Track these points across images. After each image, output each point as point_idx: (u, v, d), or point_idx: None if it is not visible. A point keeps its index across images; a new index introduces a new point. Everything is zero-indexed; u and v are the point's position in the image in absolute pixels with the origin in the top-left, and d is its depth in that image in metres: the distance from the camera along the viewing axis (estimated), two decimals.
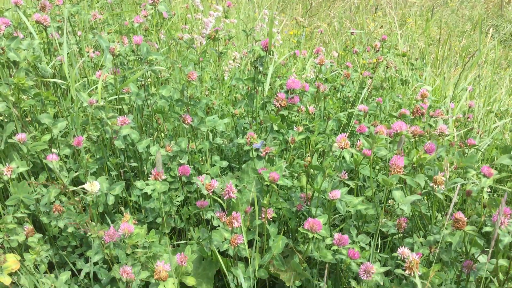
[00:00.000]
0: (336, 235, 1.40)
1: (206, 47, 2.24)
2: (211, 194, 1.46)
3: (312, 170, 1.59)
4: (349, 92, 2.60)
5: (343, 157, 1.44)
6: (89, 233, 1.39)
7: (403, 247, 1.54)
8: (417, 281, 1.29)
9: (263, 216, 1.56)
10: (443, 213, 1.91)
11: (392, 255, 1.87)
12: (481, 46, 5.48)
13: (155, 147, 1.84)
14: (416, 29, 5.06)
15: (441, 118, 2.07)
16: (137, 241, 1.35)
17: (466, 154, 2.01)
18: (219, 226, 1.79)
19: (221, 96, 2.46)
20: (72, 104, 2.00)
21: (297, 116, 2.07)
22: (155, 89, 1.70)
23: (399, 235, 1.82)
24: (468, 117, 2.70)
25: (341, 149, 1.45)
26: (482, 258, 1.52)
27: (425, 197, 1.78)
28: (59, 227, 1.76)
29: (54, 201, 1.76)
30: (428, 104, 2.24)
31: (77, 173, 1.76)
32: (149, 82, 1.90)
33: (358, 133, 2.08)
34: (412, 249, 1.76)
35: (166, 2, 1.89)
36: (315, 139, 1.57)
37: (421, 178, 1.57)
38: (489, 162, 2.29)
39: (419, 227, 1.80)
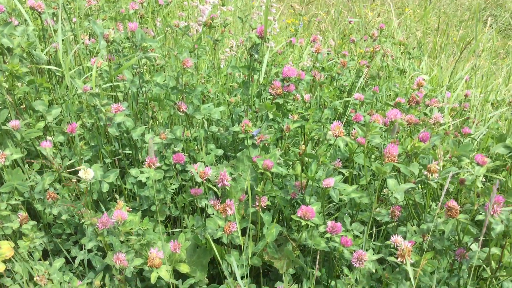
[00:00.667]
0: (329, 223, 1.40)
1: (203, 34, 2.22)
2: (205, 182, 1.45)
3: (306, 158, 1.58)
4: (345, 80, 2.59)
5: (338, 146, 1.44)
6: (82, 220, 1.39)
7: (396, 235, 1.54)
8: (409, 268, 1.29)
9: (257, 204, 1.56)
10: (437, 201, 1.92)
11: (386, 243, 1.88)
12: (479, 36, 5.47)
13: (149, 135, 1.83)
14: (414, 18, 5.03)
15: (436, 106, 2.06)
16: (131, 229, 1.35)
17: (461, 143, 2.00)
18: (213, 214, 1.80)
19: (217, 85, 2.45)
20: (67, 91, 1.99)
21: (293, 104, 2.06)
22: (150, 76, 1.69)
23: (393, 224, 1.82)
24: (464, 107, 2.70)
25: (335, 137, 1.45)
26: (475, 246, 1.53)
27: (420, 186, 1.78)
28: (53, 215, 1.76)
29: (48, 189, 1.76)
30: (424, 93, 2.24)
31: (71, 161, 1.75)
32: (144, 70, 1.89)
33: (354, 121, 2.07)
34: (405, 237, 1.77)
35: None
36: (310, 127, 1.57)
37: (415, 167, 1.57)
38: (484, 151, 2.29)
39: (413, 216, 1.80)
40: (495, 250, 1.45)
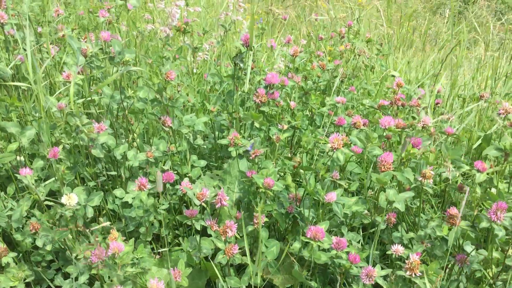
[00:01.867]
0: (334, 238, 1.36)
1: (183, 41, 2.13)
2: (203, 204, 1.38)
3: (302, 171, 1.54)
4: (322, 82, 2.56)
5: (337, 157, 1.40)
6: (74, 254, 1.29)
7: (396, 245, 1.53)
8: (420, 281, 1.27)
9: (255, 221, 1.50)
10: (429, 205, 1.92)
11: (380, 248, 1.87)
12: (432, 25, 5.58)
13: (132, 152, 1.74)
14: (377, 13, 5.07)
15: (421, 109, 2.06)
16: (130, 260, 1.26)
17: (447, 145, 2.01)
18: (203, 231, 1.73)
19: (193, 91, 2.36)
20: (35, 109, 1.85)
21: (276, 111, 2.01)
22: (132, 91, 1.59)
23: (382, 227, 1.80)
24: (437, 103, 2.73)
25: (334, 150, 1.40)
26: (470, 249, 1.53)
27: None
28: (37, 245, 1.64)
29: (26, 216, 1.64)
30: (401, 94, 2.24)
31: (49, 181, 1.64)
32: (121, 82, 1.78)
33: (336, 125, 2.05)
34: (401, 244, 1.76)
35: None
36: (307, 140, 1.52)
37: (410, 173, 1.56)
38: (471, 152, 2.32)
39: (406, 221, 1.79)
40: (496, 254, 1.46)
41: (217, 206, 1.38)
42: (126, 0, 1.63)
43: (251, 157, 1.55)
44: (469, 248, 1.51)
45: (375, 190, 1.94)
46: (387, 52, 3.20)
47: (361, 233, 1.86)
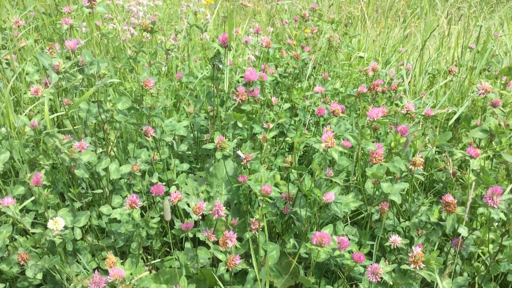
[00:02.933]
0: (336, 238, 1.35)
1: (146, 37, 2.05)
2: (199, 217, 1.34)
3: (294, 171, 1.52)
4: (296, 71, 2.53)
5: (331, 156, 1.38)
6: (73, 284, 1.23)
7: (394, 235, 1.53)
8: (425, 273, 1.28)
9: (252, 227, 1.48)
10: (418, 192, 1.94)
11: (371, 234, 1.88)
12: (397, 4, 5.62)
13: (114, 165, 1.66)
14: None
15: (401, 93, 2.07)
16: (132, 285, 1.21)
17: (429, 127, 2.03)
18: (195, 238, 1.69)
19: (165, 91, 2.28)
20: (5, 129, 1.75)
21: (255, 107, 1.97)
22: (111, 104, 1.51)
23: (376, 217, 1.81)
24: (409, 82, 2.74)
25: (327, 148, 1.38)
26: (463, 231, 1.55)
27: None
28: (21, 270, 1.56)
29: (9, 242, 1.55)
30: (379, 80, 2.23)
31: (27, 202, 1.55)
32: (98, 95, 1.69)
33: (317, 115, 2.03)
34: (394, 231, 1.78)
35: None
36: (299, 140, 1.49)
37: (401, 162, 1.56)
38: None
39: (397, 207, 1.80)
40: (491, 236, 1.48)
41: (214, 218, 1.34)
42: (93, 9, 1.53)
43: (242, 163, 1.51)
44: (464, 231, 1.53)
45: (357, 175, 1.95)
46: (353, 34, 3.20)
47: (349, 221, 1.86)
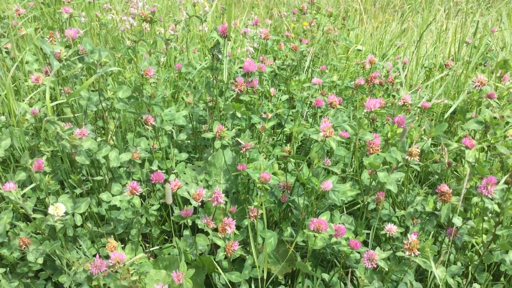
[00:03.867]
0: (333, 226, 1.37)
1: (147, 29, 2.06)
2: (199, 203, 1.36)
3: (292, 160, 1.54)
4: (294, 63, 2.54)
5: (330, 145, 1.40)
6: (73, 268, 1.25)
7: (389, 224, 1.56)
8: (419, 260, 1.31)
9: (251, 215, 1.50)
10: (414, 183, 1.97)
11: (366, 224, 1.90)
12: None
13: (113, 153, 1.68)
14: None
15: (398, 86, 2.09)
16: (133, 269, 1.24)
17: (425, 119, 2.05)
18: (193, 226, 1.70)
19: (164, 81, 2.30)
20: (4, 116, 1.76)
21: (254, 98, 1.99)
22: (111, 92, 1.53)
23: (372, 207, 1.84)
24: (405, 75, 2.77)
25: (326, 138, 1.40)
26: (457, 221, 1.58)
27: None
28: (22, 256, 1.58)
29: (10, 228, 1.57)
30: (377, 72, 2.25)
31: (27, 188, 1.57)
32: (98, 83, 1.71)
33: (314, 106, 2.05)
34: (390, 221, 1.80)
35: None
36: (298, 130, 1.51)
37: (397, 153, 1.59)
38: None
39: (392, 197, 1.83)
40: (485, 225, 1.51)
41: (213, 205, 1.37)
42: None
43: (241, 151, 1.53)
44: (458, 221, 1.56)
45: (354, 167, 1.97)
46: (352, 27, 3.21)
47: (345, 211, 1.89)
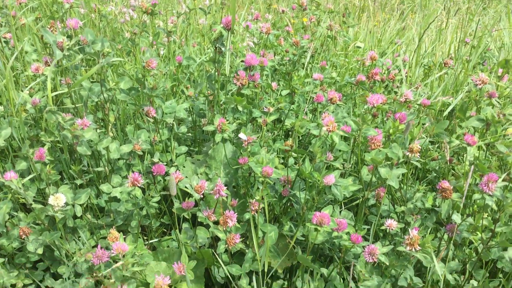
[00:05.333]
0: (336, 220, 1.38)
1: (148, 21, 2.05)
2: (201, 196, 1.36)
3: (293, 154, 1.55)
4: (295, 58, 2.55)
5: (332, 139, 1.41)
6: (75, 258, 1.25)
7: (389, 220, 1.58)
8: (420, 255, 1.32)
9: (252, 208, 1.51)
10: (411, 180, 1.98)
11: (364, 220, 1.92)
12: None
13: (114, 145, 1.68)
14: None
15: (400, 82, 2.10)
16: (134, 260, 1.24)
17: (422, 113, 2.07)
18: (193, 218, 1.71)
19: (165, 76, 2.30)
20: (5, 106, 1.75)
21: (255, 92, 1.99)
22: (113, 83, 1.53)
23: (372, 202, 1.85)
24: (406, 72, 2.78)
25: (329, 132, 1.41)
26: (457, 218, 1.60)
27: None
28: (20, 247, 1.58)
29: (8, 218, 1.57)
30: (378, 68, 2.26)
31: (27, 178, 1.56)
32: (101, 74, 1.71)
33: (315, 101, 2.05)
34: (389, 216, 1.81)
35: None
36: (300, 123, 1.52)
37: (399, 149, 1.60)
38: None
39: (391, 193, 1.84)
40: (485, 222, 1.53)
41: (215, 197, 1.37)
42: None
43: (244, 145, 1.53)
44: (457, 218, 1.58)
45: (352, 163, 1.99)
46: (351, 24, 3.22)
47: (343, 207, 1.90)
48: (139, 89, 1.67)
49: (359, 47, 3.33)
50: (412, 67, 2.87)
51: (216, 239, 1.66)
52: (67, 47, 1.43)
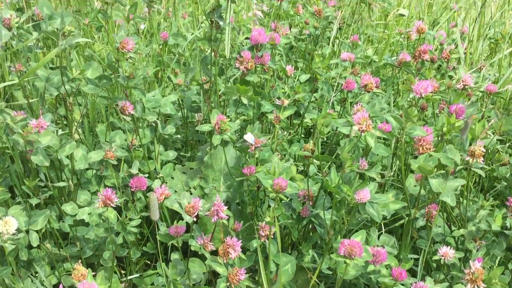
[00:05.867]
0: (371, 249, 1.37)
1: None
2: (194, 219, 1.36)
3: (316, 161, 1.54)
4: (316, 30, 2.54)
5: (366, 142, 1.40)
6: None
7: (444, 247, 1.56)
8: None
9: (261, 234, 1.51)
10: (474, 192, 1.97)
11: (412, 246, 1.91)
12: None
13: (80, 151, 1.69)
14: None
15: (456, 63, 2.08)
16: None
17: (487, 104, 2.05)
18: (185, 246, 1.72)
19: (147, 59, 2.30)
20: None
21: (264, 78, 1.99)
22: (78, 71, 1.53)
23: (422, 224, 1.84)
24: (465, 49, 2.76)
25: (361, 132, 1.40)
26: None
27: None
28: None
29: None
30: (427, 44, 2.25)
31: None
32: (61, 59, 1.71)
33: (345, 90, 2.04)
34: (444, 242, 1.80)
35: None
36: (324, 121, 1.51)
37: (455, 153, 1.58)
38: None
39: (448, 211, 1.83)
40: None
41: (213, 220, 1.37)
42: None
43: (251, 150, 1.53)
44: None
45: (394, 172, 1.97)
46: None
47: (383, 229, 1.89)
48: (112, 77, 1.67)
49: (403, 15, 3.31)
50: (473, 41, 2.84)
51: (215, 274, 1.66)
52: (17, 25, 1.43)
